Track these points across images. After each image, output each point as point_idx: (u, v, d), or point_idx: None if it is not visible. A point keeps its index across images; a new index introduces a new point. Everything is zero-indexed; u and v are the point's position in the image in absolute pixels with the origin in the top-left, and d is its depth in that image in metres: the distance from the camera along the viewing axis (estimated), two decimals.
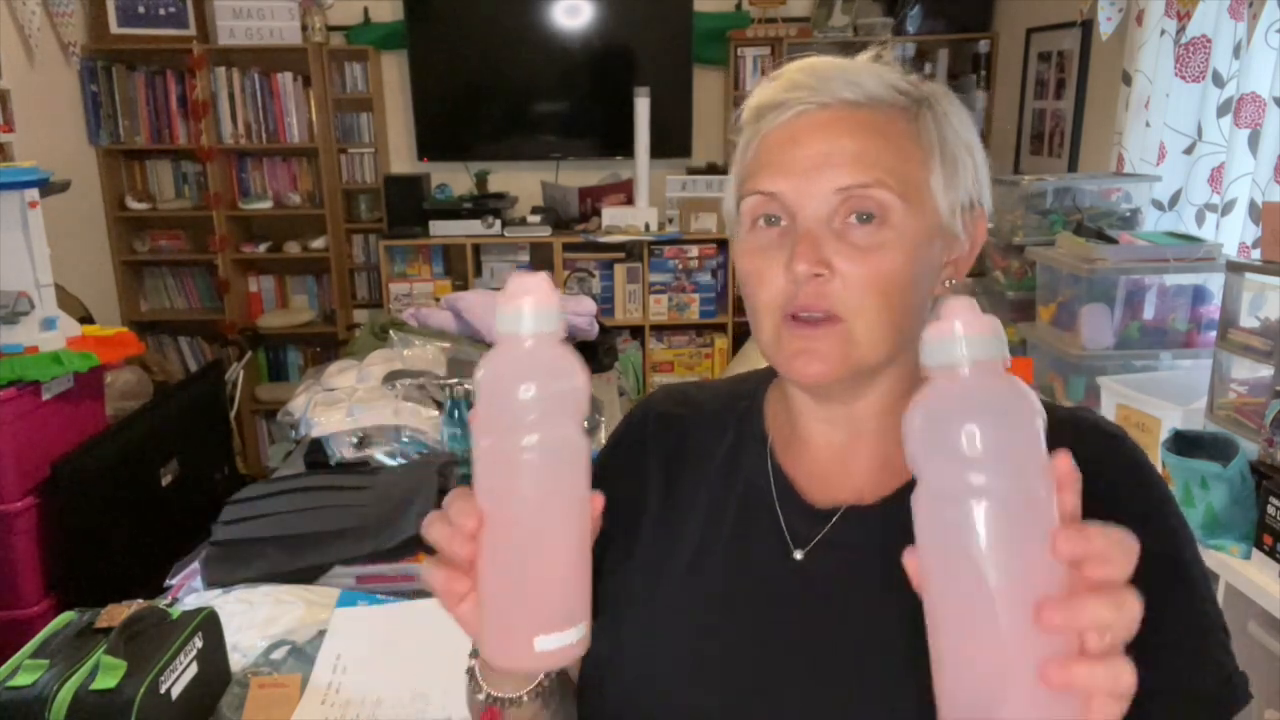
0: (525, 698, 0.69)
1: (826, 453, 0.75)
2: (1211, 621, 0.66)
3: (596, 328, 2.87)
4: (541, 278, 0.56)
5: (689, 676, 0.72)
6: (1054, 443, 0.60)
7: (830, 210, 0.67)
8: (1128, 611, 0.47)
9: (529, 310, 0.54)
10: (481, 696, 0.69)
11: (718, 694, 0.70)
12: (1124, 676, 0.47)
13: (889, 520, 0.64)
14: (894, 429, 0.58)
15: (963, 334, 0.48)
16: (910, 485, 0.52)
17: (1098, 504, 0.59)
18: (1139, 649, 0.55)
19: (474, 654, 0.70)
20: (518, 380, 0.54)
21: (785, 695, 0.69)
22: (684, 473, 0.71)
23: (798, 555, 0.72)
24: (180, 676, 1.08)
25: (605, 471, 0.72)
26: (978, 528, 0.47)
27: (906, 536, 0.54)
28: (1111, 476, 0.64)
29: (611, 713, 0.74)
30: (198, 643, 1.12)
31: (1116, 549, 0.48)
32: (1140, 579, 0.54)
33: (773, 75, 0.72)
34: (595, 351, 2.86)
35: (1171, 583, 0.64)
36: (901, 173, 0.67)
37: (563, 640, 0.56)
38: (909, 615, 0.62)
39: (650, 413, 0.84)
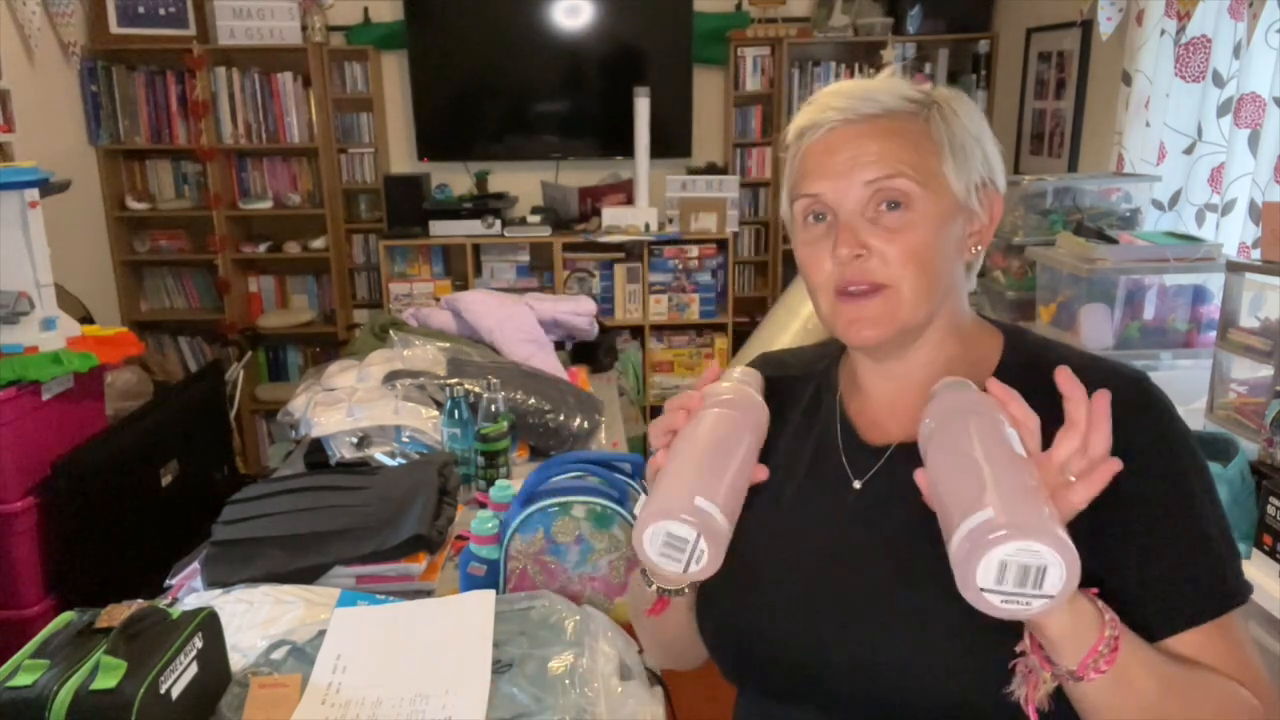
0: (686, 589, 0.87)
1: (881, 401, 0.91)
2: (1211, 534, 0.78)
3: (596, 328, 2.87)
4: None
5: (771, 605, 0.87)
6: (1089, 385, 0.76)
7: (863, 202, 0.82)
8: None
9: (737, 373, 0.88)
10: (653, 589, 0.86)
11: (795, 619, 0.86)
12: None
13: None
14: (946, 374, 0.83)
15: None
16: None
17: (1124, 434, 0.75)
18: (1140, 551, 0.78)
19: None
20: (723, 392, 0.84)
21: (848, 611, 0.83)
22: (772, 424, 0.89)
23: (857, 484, 0.88)
24: (180, 676, 1.07)
25: None
26: (964, 429, 0.70)
27: None
28: (1132, 412, 0.78)
29: (714, 635, 0.92)
30: (198, 643, 1.12)
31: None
32: (1150, 496, 0.77)
33: (809, 101, 0.88)
34: (595, 351, 2.86)
35: (1177, 501, 0.78)
36: (918, 164, 0.82)
37: (714, 511, 0.73)
38: None
39: None
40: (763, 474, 0.82)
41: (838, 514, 0.88)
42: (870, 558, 0.85)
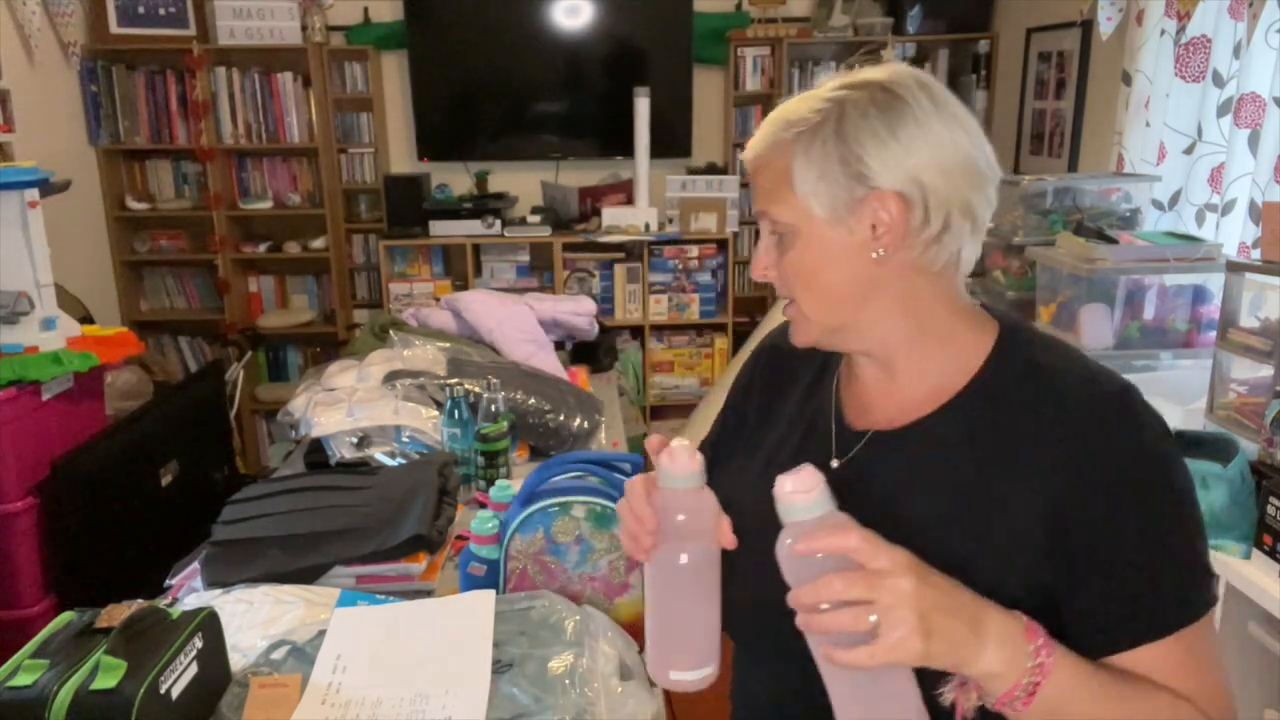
0: None
1: (868, 385, 0.94)
2: (1171, 552, 0.79)
3: (596, 328, 2.87)
4: (693, 452, 0.84)
5: (747, 572, 0.87)
6: (1066, 397, 0.82)
7: (766, 229, 0.90)
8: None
9: (681, 472, 0.83)
10: None
11: (766, 587, 0.85)
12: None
13: (905, 444, 0.88)
14: (922, 367, 0.88)
15: (798, 503, 0.76)
16: (928, 418, 0.87)
17: (1092, 450, 0.79)
18: (1091, 568, 0.79)
19: None
20: (674, 512, 0.83)
21: None
22: (778, 394, 0.99)
23: (834, 464, 0.92)
24: (180, 676, 1.07)
25: (725, 407, 1.08)
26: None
27: (914, 459, 0.86)
28: (1100, 428, 0.80)
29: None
30: (198, 643, 1.12)
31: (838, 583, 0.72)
32: (1107, 514, 0.78)
33: None
34: (595, 351, 2.86)
35: (1137, 519, 0.78)
36: (780, 196, 0.86)
37: (690, 676, 0.84)
38: (915, 524, 0.82)
39: (763, 351, 1.08)
40: (731, 545, 0.84)
41: None
42: None
